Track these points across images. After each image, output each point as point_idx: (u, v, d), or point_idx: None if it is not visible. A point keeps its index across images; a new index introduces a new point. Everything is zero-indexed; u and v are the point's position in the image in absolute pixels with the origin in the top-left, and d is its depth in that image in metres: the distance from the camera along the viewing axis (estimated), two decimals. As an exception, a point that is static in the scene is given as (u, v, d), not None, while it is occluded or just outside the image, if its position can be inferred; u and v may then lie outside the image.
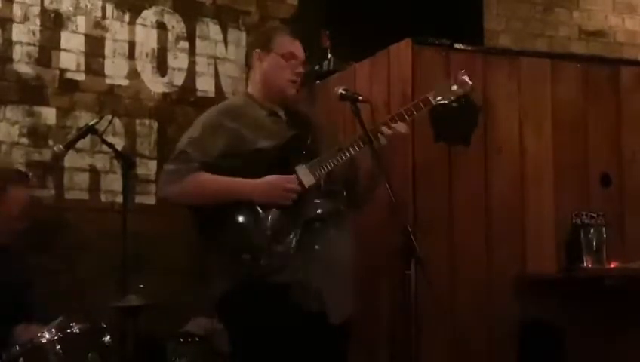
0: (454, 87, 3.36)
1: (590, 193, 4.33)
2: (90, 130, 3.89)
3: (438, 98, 3.34)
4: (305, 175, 3.26)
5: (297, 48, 3.44)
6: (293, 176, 3.25)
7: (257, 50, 3.48)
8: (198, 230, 3.32)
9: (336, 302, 3.26)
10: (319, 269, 3.24)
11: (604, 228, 4.13)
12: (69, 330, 3.46)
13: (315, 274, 3.23)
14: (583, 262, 4.07)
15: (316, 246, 3.26)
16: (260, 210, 3.26)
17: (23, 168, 4.60)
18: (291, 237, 3.24)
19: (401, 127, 3.29)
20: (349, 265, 3.36)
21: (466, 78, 3.38)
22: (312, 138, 3.37)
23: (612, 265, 4.05)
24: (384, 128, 3.27)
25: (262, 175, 3.27)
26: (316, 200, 3.29)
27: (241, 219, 3.25)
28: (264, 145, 3.31)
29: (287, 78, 3.40)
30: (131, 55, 5.05)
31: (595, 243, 4.09)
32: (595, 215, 4.24)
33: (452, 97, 3.37)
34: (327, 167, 3.27)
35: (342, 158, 3.27)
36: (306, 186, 3.26)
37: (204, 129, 3.36)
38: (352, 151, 3.27)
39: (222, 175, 3.28)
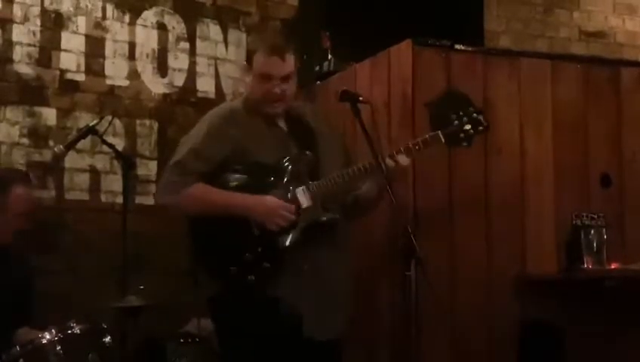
0: (467, 127, 3.32)
1: (590, 194, 4.33)
2: (91, 130, 3.90)
3: (449, 136, 3.30)
4: (303, 197, 3.26)
5: (273, 67, 3.29)
6: (292, 206, 3.23)
7: (245, 63, 3.46)
8: (191, 237, 3.33)
9: (321, 319, 3.24)
10: (307, 286, 3.23)
11: (604, 229, 4.13)
12: (69, 331, 3.47)
13: (302, 291, 3.22)
14: (583, 263, 4.07)
15: (306, 265, 3.25)
16: (254, 228, 3.25)
17: (23, 169, 4.60)
18: (281, 254, 3.23)
19: (403, 160, 3.28)
20: (341, 283, 3.34)
21: (481, 118, 3.34)
22: (314, 150, 3.36)
23: (612, 266, 4.05)
24: (389, 160, 3.25)
25: (261, 189, 3.26)
26: (311, 218, 3.27)
27: (233, 232, 3.24)
28: (264, 158, 3.30)
29: (265, 99, 3.32)
30: (132, 56, 5.05)
31: (595, 244, 4.09)
32: (595, 216, 4.23)
33: (462, 135, 3.33)
34: (325, 191, 3.27)
35: (341, 183, 3.26)
36: (303, 208, 3.25)
37: (206, 136, 3.33)
38: (353, 177, 3.26)
39: (221, 185, 3.28)
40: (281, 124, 3.40)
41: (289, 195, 3.26)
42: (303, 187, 3.27)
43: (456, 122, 3.32)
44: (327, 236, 3.28)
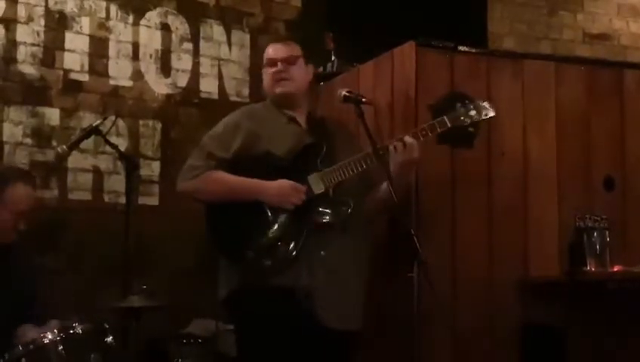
0: (472, 112, 3.40)
1: (594, 196, 4.32)
2: (94, 130, 3.89)
3: (455, 121, 3.38)
4: (315, 183, 3.34)
5: (272, 51, 3.56)
6: (303, 187, 3.32)
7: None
8: (209, 227, 3.38)
9: (336, 307, 3.28)
10: (322, 274, 3.28)
11: (607, 232, 4.12)
12: (71, 331, 3.47)
13: (317, 278, 3.27)
14: (586, 266, 4.06)
15: (321, 253, 3.31)
16: (269, 213, 3.33)
17: (26, 168, 4.60)
18: (296, 241, 3.28)
19: (409, 140, 3.31)
20: (356, 274, 3.39)
21: (486, 105, 3.43)
22: (330, 148, 3.41)
23: (615, 269, 4.05)
24: (397, 143, 3.31)
25: (274, 175, 3.34)
26: (324, 209, 3.34)
27: (249, 219, 3.32)
28: (279, 148, 3.39)
29: (272, 81, 3.51)
30: (135, 56, 5.06)
31: (598, 247, 4.08)
32: (598, 218, 4.22)
33: (469, 121, 3.41)
34: (338, 177, 3.33)
35: (353, 171, 3.32)
36: (315, 194, 3.31)
37: (225, 127, 3.50)
38: (364, 165, 3.31)
39: (238, 174, 3.37)
40: (301, 122, 3.52)
41: (302, 181, 3.34)
42: (315, 174, 3.34)
43: (461, 108, 3.40)
44: (339, 222, 3.34)
